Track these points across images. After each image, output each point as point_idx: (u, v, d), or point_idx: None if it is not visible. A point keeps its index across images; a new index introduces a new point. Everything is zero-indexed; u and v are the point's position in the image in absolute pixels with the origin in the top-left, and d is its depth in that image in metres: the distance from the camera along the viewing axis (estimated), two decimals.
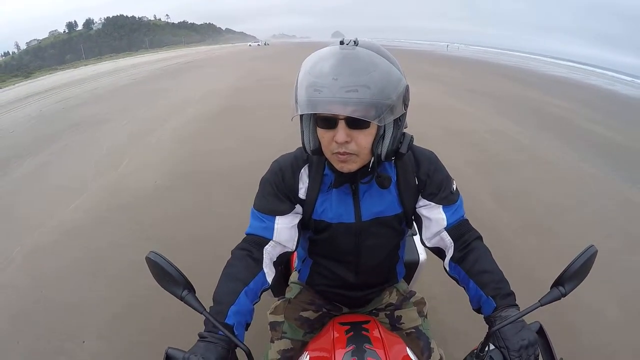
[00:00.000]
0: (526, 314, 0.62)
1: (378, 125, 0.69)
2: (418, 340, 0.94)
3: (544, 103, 8.73)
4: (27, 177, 4.28)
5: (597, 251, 0.64)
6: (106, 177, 4.04)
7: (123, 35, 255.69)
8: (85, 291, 2.23)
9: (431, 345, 0.93)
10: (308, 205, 0.85)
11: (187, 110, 7.37)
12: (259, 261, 0.80)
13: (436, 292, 1.95)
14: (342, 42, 0.68)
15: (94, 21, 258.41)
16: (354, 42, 0.67)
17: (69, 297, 2.19)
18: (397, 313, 1.00)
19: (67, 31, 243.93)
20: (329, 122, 0.68)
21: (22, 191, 3.89)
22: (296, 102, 0.67)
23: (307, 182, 0.84)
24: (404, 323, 0.98)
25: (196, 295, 0.66)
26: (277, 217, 0.83)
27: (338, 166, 0.74)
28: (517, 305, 0.70)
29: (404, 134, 0.76)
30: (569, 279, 0.64)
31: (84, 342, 1.86)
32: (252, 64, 18.99)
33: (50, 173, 4.36)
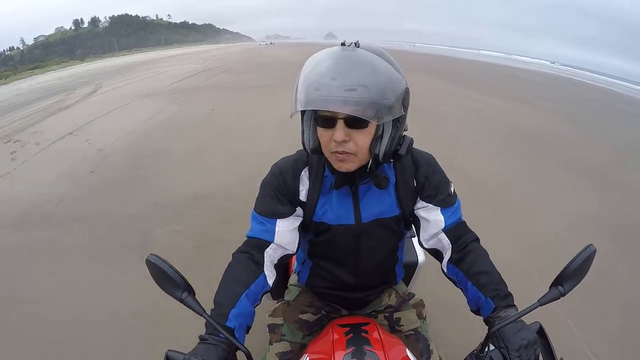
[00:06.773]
0: (525, 313, 0.62)
1: (377, 126, 0.69)
2: (417, 342, 0.94)
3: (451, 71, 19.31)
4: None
5: (595, 250, 0.64)
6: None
7: (130, 33, 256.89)
8: None
9: (430, 347, 0.93)
10: (309, 207, 0.85)
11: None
12: (260, 264, 0.80)
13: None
14: (343, 44, 0.69)
15: (99, 19, 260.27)
16: (355, 44, 0.68)
17: None
18: (396, 315, 1.00)
19: (73, 28, 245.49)
20: (328, 121, 0.68)
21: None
22: (295, 99, 0.68)
23: (308, 184, 0.84)
24: (403, 325, 0.98)
25: (196, 297, 0.65)
26: (278, 220, 0.83)
27: (336, 165, 0.75)
28: (515, 306, 0.70)
29: (403, 136, 0.75)
30: (568, 278, 0.64)
31: None
32: (292, 49, 31.92)
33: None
